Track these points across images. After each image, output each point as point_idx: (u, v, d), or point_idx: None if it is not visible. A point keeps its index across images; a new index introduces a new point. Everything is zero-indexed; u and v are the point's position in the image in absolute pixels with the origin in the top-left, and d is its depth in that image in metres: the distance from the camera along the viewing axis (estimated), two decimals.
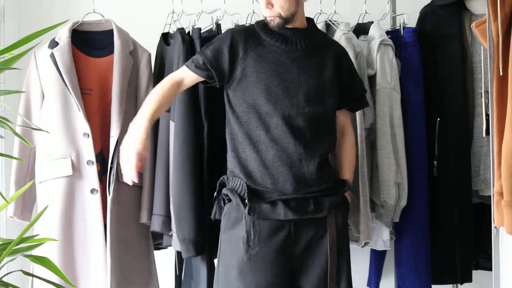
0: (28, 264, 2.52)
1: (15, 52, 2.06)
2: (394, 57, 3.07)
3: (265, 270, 2.50)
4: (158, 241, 3.10)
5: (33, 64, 3.00)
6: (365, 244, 2.95)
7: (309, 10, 2.78)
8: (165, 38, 3.16)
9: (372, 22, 3.17)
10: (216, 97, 2.79)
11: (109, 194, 2.90)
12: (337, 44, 2.77)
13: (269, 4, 2.55)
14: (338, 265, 2.56)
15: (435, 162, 3.11)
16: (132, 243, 2.99)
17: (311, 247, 2.54)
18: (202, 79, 2.62)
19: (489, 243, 2.68)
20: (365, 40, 3.16)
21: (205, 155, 2.91)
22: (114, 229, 2.90)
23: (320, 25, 3.13)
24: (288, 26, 2.59)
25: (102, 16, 3.10)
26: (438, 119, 3.10)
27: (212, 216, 2.66)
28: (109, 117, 2.95)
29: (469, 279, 3.15)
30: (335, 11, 3.20)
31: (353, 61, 2.84)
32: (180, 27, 3.06)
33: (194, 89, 2.84)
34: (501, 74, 2.52)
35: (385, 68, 3.03)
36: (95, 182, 2.91)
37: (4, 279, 2.15)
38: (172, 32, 3.15)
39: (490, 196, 2.68)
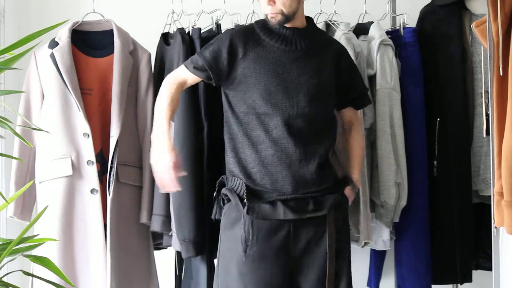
0: (28, 264, 2.52)
1: (15, 52, 2.06)
2: (394, 57, 3.06)
3: (265, 270, 2.50)
4: (158, 241, 3.10)
5: (33, 64, 3.00)
6: (365, 244, 2.95)
7: (309, 10, 2.77)
8: (165, 38, 3.16)
9: (372, 22, 3.17)
10: (216, 97, 2.79)
11: (109, 194, 2.89)
12: (337, 43, 2.76)
13: (271, 1, 2.53)
14: (337, 265, 2.56)
15: (435, 162, 3.11)
16: (132, 243, 2.99)
17: (310, 247, 2.54)
18: (201, 80, 2.63)
19: (489, 243, 2.68)
20: (365, 40, 3.16)
21: (205, 155, 2.91)
22: (114, 229, 2.90)
23: (320, 25, 3.13)
24: (288, 25, 2.58)
25: (102, 16, 3.10)
26: (438, 119, 3.10)
27: (212, 216, 2.66)
28: (109, 117, 2.94)
29: (469, 279, 3.15)
30: (335, 11, 3.20)
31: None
32: (180, 27, 3.06)
33: (193, 89, 2.84)
34: (501, 74, 2.52)
35: (385, 68, 3.03)
36: (95, 182, 2.91)
37: (4, 279, 2.15)
38: (172, 32, 3.15)
39: (490, 196, 2.67)
